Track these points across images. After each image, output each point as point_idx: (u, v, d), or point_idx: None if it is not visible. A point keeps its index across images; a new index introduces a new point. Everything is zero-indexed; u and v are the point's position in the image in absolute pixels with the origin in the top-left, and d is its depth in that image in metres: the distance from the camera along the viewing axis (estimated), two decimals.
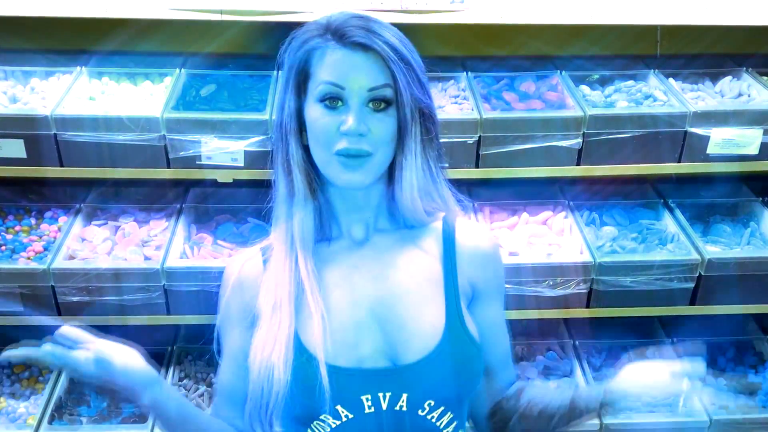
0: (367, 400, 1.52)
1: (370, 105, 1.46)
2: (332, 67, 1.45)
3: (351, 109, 1.45)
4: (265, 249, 1.62)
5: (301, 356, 1.51)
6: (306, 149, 1.54)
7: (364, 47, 1.44)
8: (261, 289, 1.58)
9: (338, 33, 1.46)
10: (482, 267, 1.64)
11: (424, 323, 1.55)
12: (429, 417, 1.55)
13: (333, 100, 1.46)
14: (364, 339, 1.54)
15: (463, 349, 1.56)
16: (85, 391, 2.80)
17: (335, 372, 1.50)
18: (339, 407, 1.52)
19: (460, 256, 1.61)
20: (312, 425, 1.54)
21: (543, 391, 1.70)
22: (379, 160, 1.49)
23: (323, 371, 1.49)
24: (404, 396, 1.52)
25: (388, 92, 1.46)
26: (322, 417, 1.52)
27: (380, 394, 1.52)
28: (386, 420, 1.53)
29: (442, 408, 1.55)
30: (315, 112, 1.48)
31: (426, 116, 1.51)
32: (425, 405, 1.54)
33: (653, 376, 1.60)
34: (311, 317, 1.52)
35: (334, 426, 1.53)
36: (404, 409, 1.53)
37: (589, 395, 1.64)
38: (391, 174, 1.55)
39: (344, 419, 1.53)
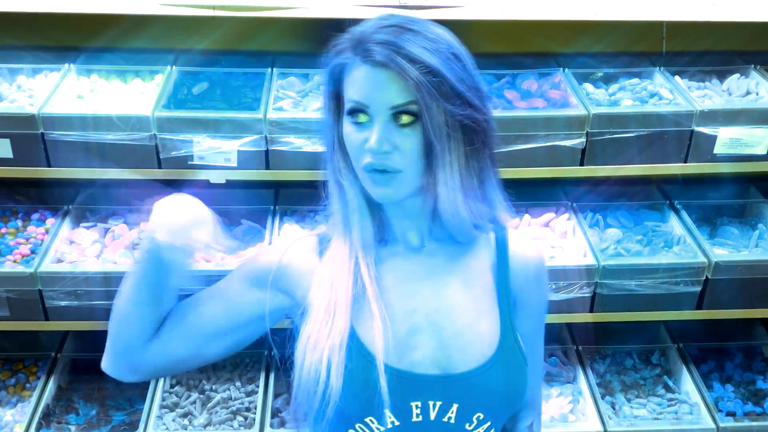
0: (417, 407, 1.52)
1: (397, 121, 1.45)
2: (356, 84, 1.46)
3: (375, 125, 1.45)
4: (323, 239, 1.63)
5: (360, 356, 1.51)
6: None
7: (383, 65, 1.42)
8: (314, 282, 1.58)
9: (363, 47, 1.45)
10: (530, 282, 1.65)
11: (480, 333, 1.55)
12: None
13: (360, 116, 1.46)
14: (418, 345, 1.54)
15: (516, 362, 1.57)
16: (74, 398, 2.79)
17: (390, 374, 1.50)
18: (387, 412, 1.51)
19: (513, 267, 1.62)
20: (355, 427, 1.54)
21: None
22: (409, 176, 1.47)
23: (381, 372, 1.48)
24: (454, 407, 1.53)
25: (414, 108, 1.43)
26: (367, 420, 1.52)
27: (431, 402, 1.52)
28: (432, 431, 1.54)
29: (488, 423, 1.56)
30: (346, 128, 1.49)
31: (467, 127, 1.47)
32: (474, 418, 1.54)
33: None
34: (370, 318, 1.53)
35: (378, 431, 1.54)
36: (452, 421, 1.53)
37: None
38: (431, 190, 1.52)
39: (389, 426, 1.52)
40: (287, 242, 1.67)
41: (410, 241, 1.60)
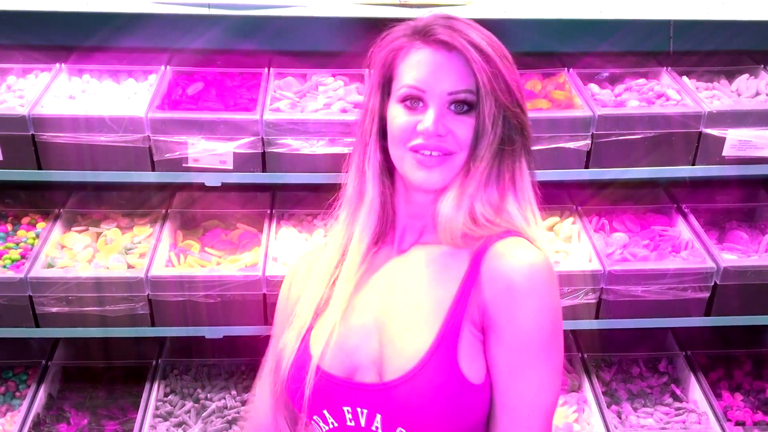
0: (348, 412, 1.54)
1: (452, 107, 1.48)
2: (414, 67, 1.49)
3: (430, 109, 1.48)
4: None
5: (303, 355, 1.57)
6: (384, 153, 1.58)
7: (448, 46, 1.46)
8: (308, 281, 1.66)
9: (423, 31, 1.49)
10: (505, 300, 1.45)
11: (411, 343, 1.50)
12: None
13: (414, 101, 1.49)
14: (363, 350, 1.55)
15: (447, 381, 1.46)
16: (65, 407, 2.79)
17: (325, 377, 1.54)
18: (326, 412, 1.55)
19: (485, 284, 1.48)
20: (314, 418, 1.59)
21: None
22: (457, 161, 1.50)
23: (311, 374, 1.54)
24: (377, 416, 1.51)
25: (470, 97, 1.47)
26: (314, 417, 1.58)
27: (358, 410, 1.53)
28: None
29: None
30: (394, 112, 1.52)
31: (513, 126, 1.51)
32: (397, 430, 1.50)
33: None
34: (325, 318, 1.59)
35: (324, 429, 1.58)
36: (379, 430, 1.52)
37: None
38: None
39: (330, 426, 1.56)
40: (293, 261, 1.73)
41: (405, 242, 1.62)
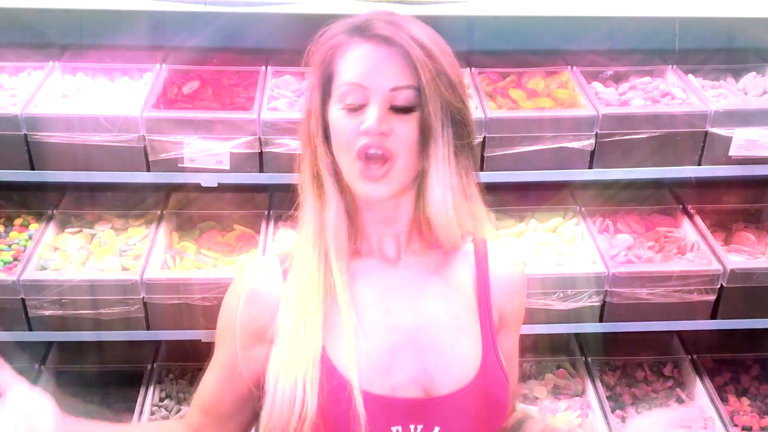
0: (398, 431, 1.51)
1: (393, 108, 1.45)
2: (354, 64, 1.46)
3: (371, 107, 1.44)
4: (284, 258, 1.60)
5: (332, 379, 1.49)
6: (333, 155, 1.53)
7: (388, 41, 1.44)
8: (281, 303, 1.55)
9: (362, 27, 1.47)
10: (511, 297, 1.66)
11: (461, 353, 1.54)
12: None
13: (355, 100, 1.46)
14: (398, 366, 1.52)
15: (498, 382, 1.56)
16: None
17: (367, 399, 1.48)
18: None
19: (494, 285, 1.62)
20: None
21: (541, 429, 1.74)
22: (402, 166, 1.47)
23: (358, 397, 1.46)
24: (437, 429, 1.52)
25: (412, 93, 1.44)
26: None
27: (411, 426, 1.51)
28: None
29: None
30: (336, 115, 1.48)
31: (458, 121, 1.49)
32: None
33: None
34: (342, 336, 1.50)
35: None
36: None
37: None
38: (420, 188, 1.53)
39: None
40: (243, 275, 1.63)
41: (386, 252, 1.59)
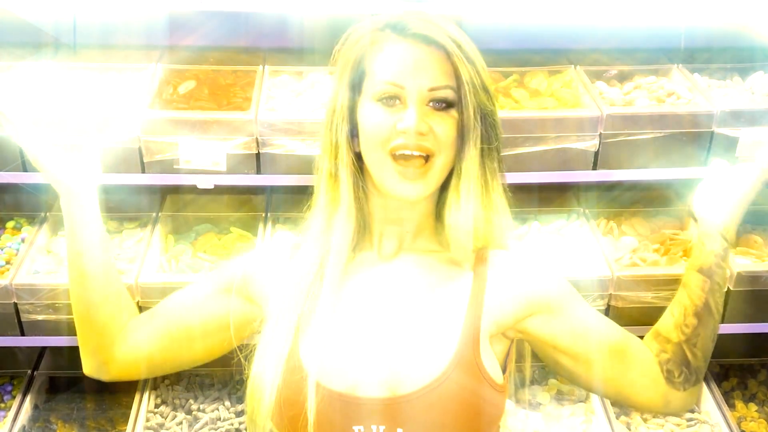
0: (360, 431, 1.51)
1: (431, 104, 1.47)
2: (390, 63, 1.47)
3: (409, 107, 1.46)
4: (294, 246, 1.65)
5: (294, 374, 1.52)
6: (357, 155, 1.56)
7: (426, 40, 1.45)
8: (276, 289, 1.61)
9: (398, 26, 1.48)
10: (519, 297, 1.62)
11: (430, 353, 1.54)
12: None
13: (391, 99, 1.47)
14: (364, 362, 1.53)
15: (474, 386, 1.54)
16: (51, 418, 2.79)
17: (328, 396, 1.50)
18: None
19: (492, 290, 1.60)
20: None
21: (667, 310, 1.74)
22: (441, 165, 1.49)
23: (311, 394, 1.49)
24: (399, 431, 1.51)
25: (450, 93, 1.47)
26: None
27: (374, 427, 1.51)
28: None
29: None
30: (370, 111, 1.49)
31: (488, 123, 1.51)
32: None
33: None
34: (314, 331, 1.54)
35: None
36: None
37: (700, 258, 1.68)
38: (442, 189, 1.56)
39: None
40: (259, 248, 1.70)
41: (385, 249, 1.61)
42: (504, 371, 1.65)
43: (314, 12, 2.53)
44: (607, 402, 2.81)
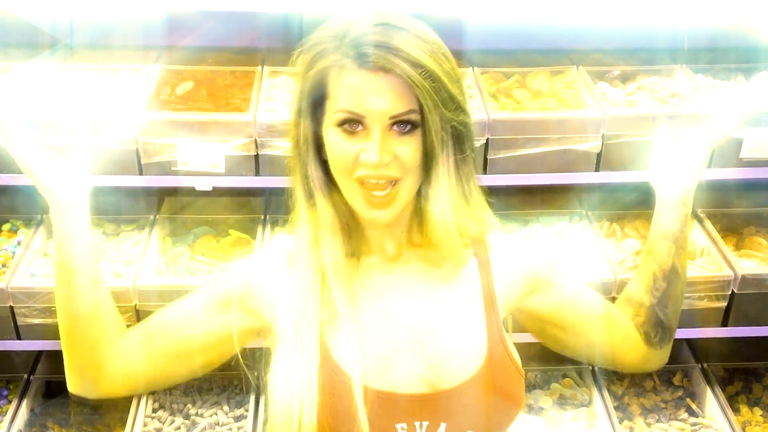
0: (402, 429, 1.54)
1: (395, 128, 1.45)
2: (350, 92, 1.44)
3: (372, 136, 1.44)
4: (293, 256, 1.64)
5: (336, 377, 1.53)
6: (325, 168, 1.55)
7: (384, 70, 1.41)
8: (281, 302, 1.59)
9: (355, 50, 1.43)
10: (521, 278, 1.70)
11: (466, 346, 1.58)
12: None
13: (352, 125, 1.46)
14: (400, 361, 1.56)
15: (507, 374, 1.60)
16: (48, 423, 2.79)
17: (370, 395, 1.52)
18: None
19: (498, 276, 1.66)
20: None
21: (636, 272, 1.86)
22: (406, 188, 1.49)
23: (359, 396, 1.50)
24: (443, 426, 1.54)
25: (413, 116, 1.45)
26: None
27: (417, 423, 1.54)
28: None
29: None
30: (333, 138, 1.48)
31: (459, 134, 1.50)
32: None
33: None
34: (344, 336, 1.54)
35: None
36: None
37: (663, 224, 1.80)
38: (419, 201, 1.56)
39: None
40: (255, 258, 1.70)
41: (387, 249, 1.62)
42: None
43: (314, 11, 2.52)
44: (610, 406, 2.81)
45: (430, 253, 1.61)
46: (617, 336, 1.80)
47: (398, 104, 1.42)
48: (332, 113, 1.46)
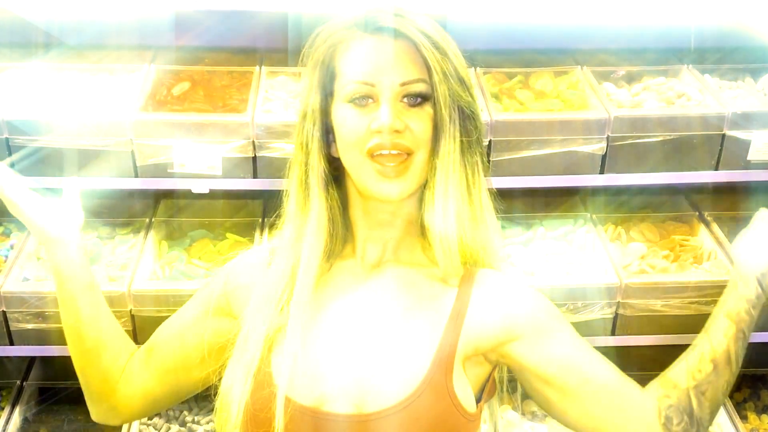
0: None
1: (404, 100, 1.47)
2: (359, 60, 1.47)
3: (382, 104, 1.45)
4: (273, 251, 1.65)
5: (264, 388, 1.51)
6: (329, 162, 1.55)
7: (393, 33, 1.45)
8: (251, 299, 1.60)
9: (365, 20, 1.48)
10: (500, 323, 1.58)
11: (402, 370, 1.52)
12: None
13: (363, 98, 1.47)
14: (333, 377, 1.52)
15: (442, 411, 1.51)
16: (41, 430, 2.79)
17: (294, 409, 1.50)
18: None
19: (473, 313, 1.57)
20: None
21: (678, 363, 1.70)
22: (421, 161, 1.49)
23: (280, 406, 1.49)
24: None
25: (422, 87, 1.46)
26: None
27: None
28: None
29: None
30: (343, 113, 1.49)
31: (466, 115, 1.51)
32: None
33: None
34: (285, 345, 1.53)
35: None
36: None
37: (729, 301, 1.65)
38: (423, 192, 1.55)
39: None
40: (237, 259, 1.69)
41: (368, 258, 1.60)
42: (479, 399, 1.62)
43: (313, 10, 2.52)
44: None
45: (409, 274, 1.59)
46: (627, 415, 1.63)
47: (409, 71, 1.45)
48: (342, 89, 1.48)
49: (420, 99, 1.47)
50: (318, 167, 1.54)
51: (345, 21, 1.52)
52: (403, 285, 1.58)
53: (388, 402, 1.49)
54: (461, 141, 1.51)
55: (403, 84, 1.45)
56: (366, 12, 1.50)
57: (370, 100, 1.47)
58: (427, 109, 1.48)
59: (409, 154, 1.48)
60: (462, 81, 1.50)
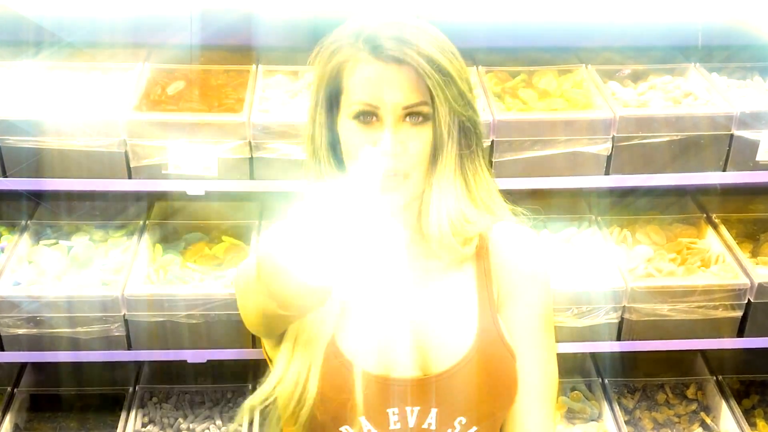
0: (394, 414, 1.59)
1: (408, 119, 1.54)
2: (365, 84, 1.53)
3: (386, 126, 1.53)
4: None
5: (337, 362, 1.57)
6: (338, 165, 1.63)
7: (398, 61, 1.51)
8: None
9: (371, 43, 1.53)
10: (509, 269, 1.68)
11: (456, 329, 1.61)
12: None
13: (367, 116, 1.54)
14: (395, 347, 1.60)
15: (498, 355, 1.61)
16: None
17: (367, 380, 1.57)
18: (362, 420, 1.58)
19: (494, 258, 1.67)
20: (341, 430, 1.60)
21: None
22: (418, 178, 1.57)
23: (358, 377, 1.55)
24: (433, 411, 1.59)
25: (425, 108, 1.53)
26: (341, 429, 1.59)
27: (408, 409, 1.59)
28: None
29: (474, 429, 1.60)
30: (348, 129, 1.57)
31: (467, 130, 1.59)
32: (456, 423, 1.59)
33: None
34: (349, 321, 1.60)
35: None
36: (432, 427, 1.59)
37: None
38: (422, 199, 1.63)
39: None
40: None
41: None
42: None
43: (310, 9, 2.52)
44: (621, 421, 2.81)
45: (427, 246, 1.65)
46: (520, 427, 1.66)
47: (411, 96, 1.52)
48: (348, 106, 1.56)
49: (422, 118, 1.54)
50: (330, 173, 1.63)
51: (351, 36, 1.57)
52: (427, 254, 1.65)
53: (451, 360, 1.58)
54: (460, 154, 1.59)
55: (406, 108, 1.52)
56: (372, 31, 1.54)
57: (374, 118, 1.54)
58: (429, 125, 1.55)
59: (406, 174, 1.55)
60: (462, 96, 1.57)
